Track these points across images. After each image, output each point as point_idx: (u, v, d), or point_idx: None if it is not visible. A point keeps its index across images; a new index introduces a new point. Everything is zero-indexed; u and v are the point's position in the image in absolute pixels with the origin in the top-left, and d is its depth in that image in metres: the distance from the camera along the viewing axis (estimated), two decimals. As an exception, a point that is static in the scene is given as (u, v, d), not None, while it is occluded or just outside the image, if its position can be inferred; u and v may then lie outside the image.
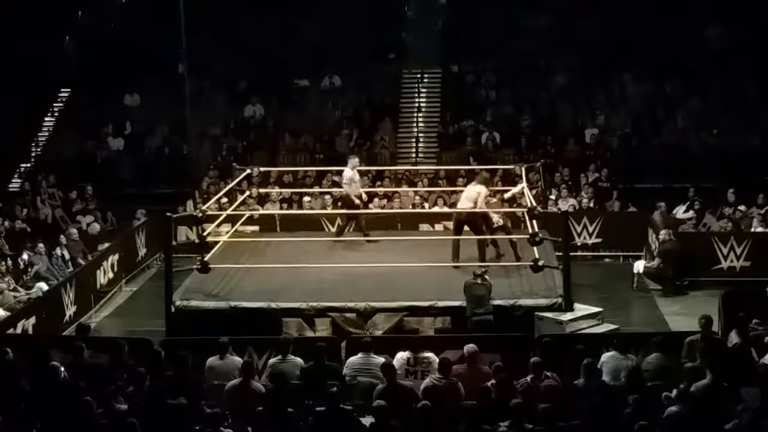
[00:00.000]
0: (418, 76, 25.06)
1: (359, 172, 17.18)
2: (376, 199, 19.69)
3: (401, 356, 11.23)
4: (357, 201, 16.68)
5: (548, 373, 10.18)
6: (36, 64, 24.37)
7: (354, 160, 17.15)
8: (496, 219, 15.22)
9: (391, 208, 19.02)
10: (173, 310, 13.88)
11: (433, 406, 9.25)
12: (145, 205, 19.84)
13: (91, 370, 10.53)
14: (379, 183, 20.45)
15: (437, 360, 10.72)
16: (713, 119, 22.63)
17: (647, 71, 23.78)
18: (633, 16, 23.97)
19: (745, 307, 12.37)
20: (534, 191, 16.66)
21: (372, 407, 9.34)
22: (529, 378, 10.11)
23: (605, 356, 10.89)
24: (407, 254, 15.31)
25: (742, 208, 18.33)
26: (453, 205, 15.86)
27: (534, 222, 14.43)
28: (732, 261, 16.57)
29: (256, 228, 18.25)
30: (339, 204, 17.56)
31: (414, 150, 23.61)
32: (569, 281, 13.71)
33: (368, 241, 16.49)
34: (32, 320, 13.95)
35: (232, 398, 10.14)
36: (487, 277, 13.41)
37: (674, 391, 9.75)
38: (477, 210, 15.04)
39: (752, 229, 17.50)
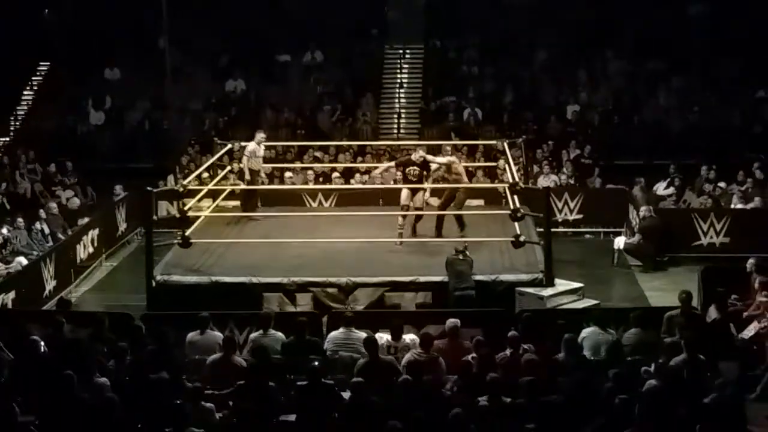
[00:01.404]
0: (400, 51, 24.97)
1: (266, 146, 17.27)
2: (357, 175, 19.69)
3: (382, 340, 11.14)
4: (257, 175, 16.62)
5: (526, 346, 10.24)
6: (15, 37, 24.11)
7: (260, 135, 17.03)
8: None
9: (373, 184, 18.97)
10: (154, 284, 13.82)
11: (415, 380, 9.29)
12: (126, 180, 19.71)
13: (71, 344, 10.49)
14: (360, 159, 20.42)
15: (418, 342, 10.69)
16: (694, 97, 22.67)
17: (629, 49, 23.79)
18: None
19: (724, 282, 12.48)
20: (516, 167, 16.66)
21: (350, 383, 9.36)
22: (508, 352, 10.16)
23: (586, 331, 10.92)
24: (388, 229, 15.30)
25: (722, 184, 18.41)
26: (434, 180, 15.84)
27: (515, 197, 14.45)
28: (712, 237, 16.63)
29: (237, 203, 18.19)
30: (240, 177, 17.33)
31: (396, 126, 23.56)
32: (550, 257, 13.74)
33: (250, 218, 16.48)
34: (11, 295, 13.87)
35: (213, 373, 10.13)
36: (468, 252, 13.45)
37: (653, 366, 9.83)
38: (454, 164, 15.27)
39: (732, 206, 17.58)
